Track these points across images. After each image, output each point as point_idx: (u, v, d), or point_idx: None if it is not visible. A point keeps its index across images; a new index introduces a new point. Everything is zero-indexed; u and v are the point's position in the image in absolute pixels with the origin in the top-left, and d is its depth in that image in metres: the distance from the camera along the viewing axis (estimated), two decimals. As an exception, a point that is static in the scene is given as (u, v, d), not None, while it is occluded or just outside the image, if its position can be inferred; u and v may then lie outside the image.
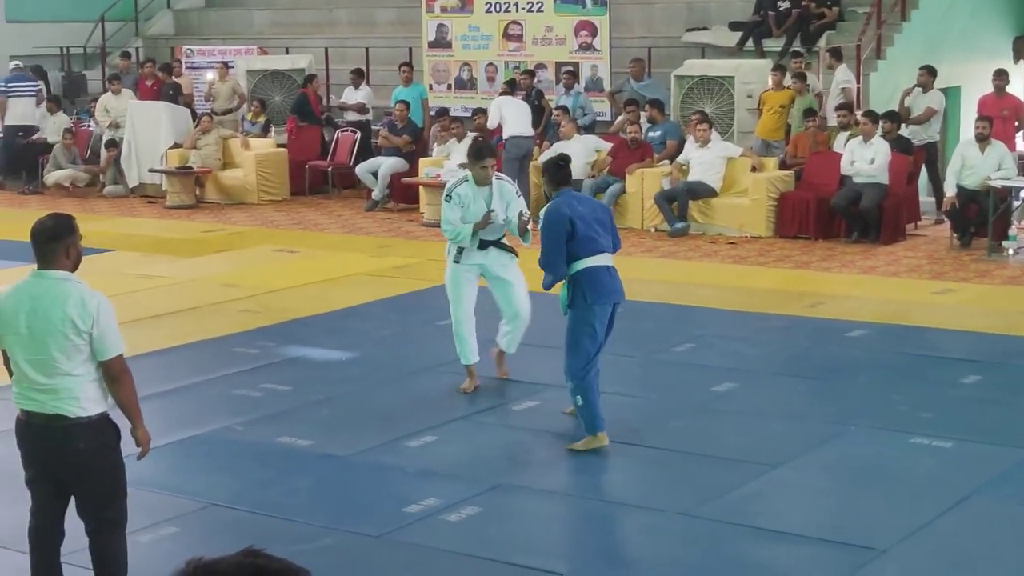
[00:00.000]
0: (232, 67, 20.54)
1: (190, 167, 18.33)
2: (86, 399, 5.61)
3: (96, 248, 14.53)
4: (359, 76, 19.46)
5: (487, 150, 9.24)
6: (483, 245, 9.08)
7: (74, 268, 5.67)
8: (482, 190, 8.98)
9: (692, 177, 15.38)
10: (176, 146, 18.72)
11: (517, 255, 9.22)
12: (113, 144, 19.36)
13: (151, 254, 14.67)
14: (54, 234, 5.64)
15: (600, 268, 7.96)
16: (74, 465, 5.68)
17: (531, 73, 18.09)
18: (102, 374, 5.64)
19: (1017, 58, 20.22)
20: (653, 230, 15.54)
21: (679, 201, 15.30)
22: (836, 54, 16.83)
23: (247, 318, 11.52)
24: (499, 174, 9.30)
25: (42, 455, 5.69)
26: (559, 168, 8.23)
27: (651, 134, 16.40)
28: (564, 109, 16.74)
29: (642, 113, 16.51)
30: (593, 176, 15.94)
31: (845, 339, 10.60)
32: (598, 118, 17.77)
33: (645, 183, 15.70)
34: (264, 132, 19.50)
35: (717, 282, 12.85)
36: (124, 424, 5.81)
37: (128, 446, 5.84)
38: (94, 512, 5.78)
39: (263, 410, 8.89)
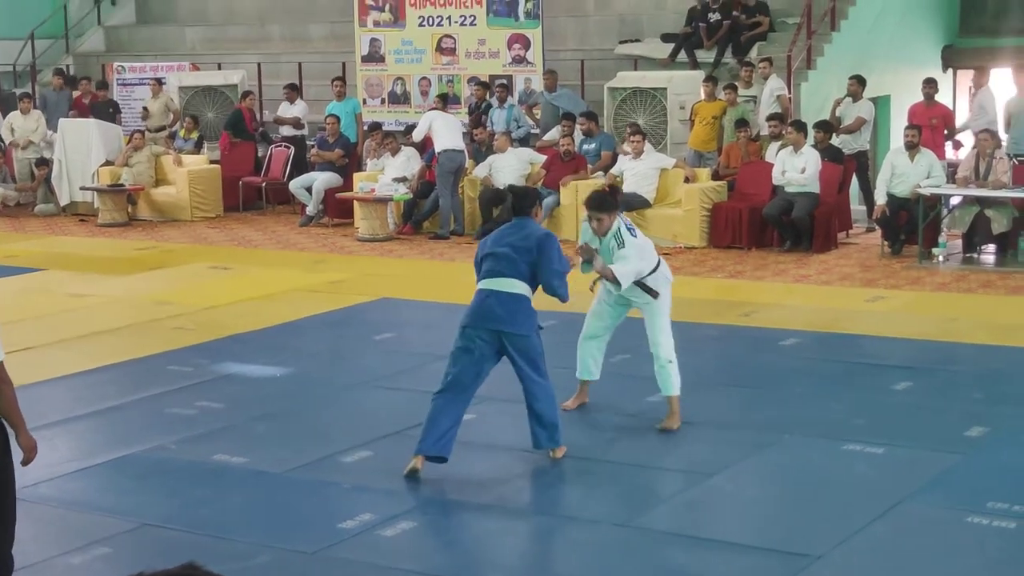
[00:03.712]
0: (164, 83, 20.41)
1: (122, 184, 18.18)
2: None
3: (27, 267, 14.43)
4: (294, 91, 19.38)
5: (594, 201, 8.73)
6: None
7: None
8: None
9: (626, 188, 15.44)
10: (108, 163, 18.57)
11: (656, 295, 8.95)
12: (43, 162, 19.18)
13: (83, 272, 14.52)
14: None
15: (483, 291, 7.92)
16: None
17: (485, 85, 18.08)
18: None
19: (946, 67, 20.48)
20: (588, 242, 15.55)
21: (613, 212, 15.31)
22: (771, 63, 16.97)
23: (181, 336, 11.43)
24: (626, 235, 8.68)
25: None
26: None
27: (585, 146, 16.46)
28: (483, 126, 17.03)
29: (576, 125, 16.58)
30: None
31: (779, 347, 10.67)
32: (532, 131, 17.81)
33: (579, 195, 15.70)
34: (197, 148, 19.38)
35: (652, 293, 12.86)
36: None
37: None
38: None
39: (197, 428, 8.81)
